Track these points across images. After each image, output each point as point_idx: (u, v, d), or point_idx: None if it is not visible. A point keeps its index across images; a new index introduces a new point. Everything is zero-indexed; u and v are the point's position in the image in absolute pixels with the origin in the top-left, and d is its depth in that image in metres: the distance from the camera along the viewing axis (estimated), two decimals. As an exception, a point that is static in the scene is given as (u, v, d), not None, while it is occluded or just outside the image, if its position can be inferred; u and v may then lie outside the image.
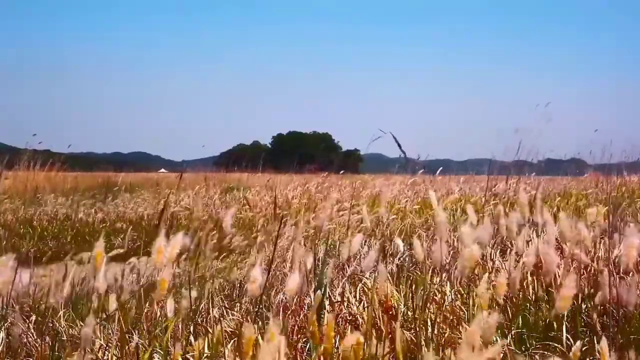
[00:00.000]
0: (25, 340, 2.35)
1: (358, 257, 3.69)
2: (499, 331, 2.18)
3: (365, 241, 4.30)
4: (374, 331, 2.00)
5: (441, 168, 8.98)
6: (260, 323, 2.23)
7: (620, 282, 2.02)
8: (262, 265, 3.51)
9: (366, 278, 2.83)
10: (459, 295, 2.61)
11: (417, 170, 8.31)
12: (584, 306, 2.36)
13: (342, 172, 13.66)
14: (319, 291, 2.16)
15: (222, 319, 2.58)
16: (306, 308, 2.44)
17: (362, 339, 1.54)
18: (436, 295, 2.65)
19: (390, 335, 1.97)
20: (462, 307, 2.44)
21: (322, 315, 2.28)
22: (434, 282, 2.86)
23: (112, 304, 2.35)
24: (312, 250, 3.02)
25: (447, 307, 2.50)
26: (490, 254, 3.25)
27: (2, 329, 2.32)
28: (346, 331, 2.22)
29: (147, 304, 2.68)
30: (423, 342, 2.03)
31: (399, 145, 4.42)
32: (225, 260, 4.40)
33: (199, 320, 2.50)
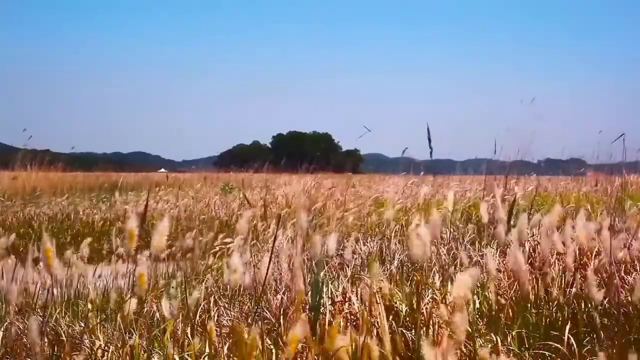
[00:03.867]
0: (24, 340, 2.35)
1: (358, 256, 3.69)
2: (500, 331, 2.17)
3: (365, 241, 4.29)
4: (374, 330, 1.99)
5: (457, 170, 8.91)
6: (259, 323, 2.22)
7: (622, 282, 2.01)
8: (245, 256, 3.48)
9: (367, 277, 2.82)
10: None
11: (422, 171, 8.29)
12: (584, 306, 2.36)
13: (342, 172, 13.64)
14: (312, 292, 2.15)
15: (219, 319, 2.58)
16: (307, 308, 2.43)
17: (361, 341, 1.52)
18: (436, 295, 2.65)
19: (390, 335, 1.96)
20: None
21: (322, 315, 2.27)
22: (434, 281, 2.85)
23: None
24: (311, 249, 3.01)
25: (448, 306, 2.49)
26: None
27: (1, 329, 2.31)
28: (347, 331, 2.21)
29: (145, 304, 2.67)
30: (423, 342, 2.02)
31: (430, 141, 4.34)
32: (222, 259, 4.39)
33: (197, 321, 2.49)
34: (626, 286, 2.44)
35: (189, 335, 2.22)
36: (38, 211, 8.85)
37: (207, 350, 2.04)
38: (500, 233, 2.66)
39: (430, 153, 4.62)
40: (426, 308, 2.32)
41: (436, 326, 2.20)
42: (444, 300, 2.55)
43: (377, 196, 7.40)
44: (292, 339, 1.15)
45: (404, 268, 3.30)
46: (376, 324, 2.16)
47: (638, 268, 2.63)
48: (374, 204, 6.47)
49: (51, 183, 12.97)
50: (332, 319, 2.34)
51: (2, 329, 2.31)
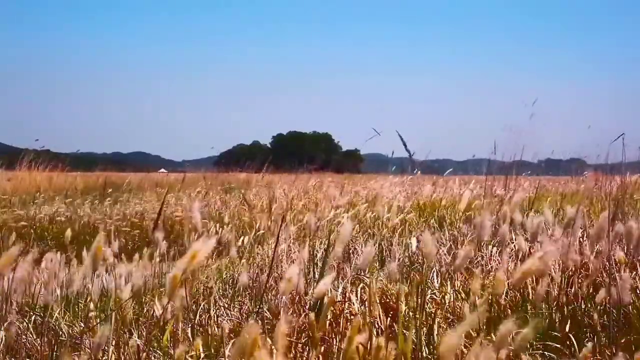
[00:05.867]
0: (24, 339, 2.35)
1: (358, 255, 3.69)
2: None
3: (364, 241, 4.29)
4: (374, 331, 2.00)
5: (451, 169, 8.88)
6: (260, 323, 2.22)
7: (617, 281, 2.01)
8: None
9: (367, 277, 2.82)
10: (459, 295, 2.61)
11: (416, 170, 8.29)
12: (584, 306, 2.36)
13: (342, 172, 13.65)
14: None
15: (220, 318, 2.58)
16: (307, 308, 2.43)
17: (381, 341, 1.52)
18: (436, 295, 2.65)
19: (390, 335, 1.96)
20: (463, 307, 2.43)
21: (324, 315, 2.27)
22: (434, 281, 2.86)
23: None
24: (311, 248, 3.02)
25: (448, 306, 2.49)
26: (491, 253, 3.25)
27: (2, 329, 2.31)
28: (346, 331, 2.21)
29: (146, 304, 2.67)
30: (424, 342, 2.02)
31: (405, 144, 4.38)
32: (220, 259, 4.40)
33: (198, 320, 2.50)
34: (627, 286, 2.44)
35: (190, 336, 2.22)
36: (39, 212, 8.86)
37: (210, 351, 2.05)
38: (505, 233, 2.67)
39: (409, 154, 4.65)
40: (426, 308, 2.32)
41: (436, 326, 2.21)
42: (442, 301, 2.56)
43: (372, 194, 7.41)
44: (279, 334, 1.15)
45: (404, 268, 3.30)
46: (376, 324, 2.16)
47: (638, 267, 2.63)
48: (370, 203, 6.47)
49: (52, 183, 12.98)
50: (332, 320, 2.34)
51: (2, 329, 2.31)
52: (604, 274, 2.45)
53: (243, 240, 4.51)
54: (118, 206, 9.68)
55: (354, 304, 2.53)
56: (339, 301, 2.59)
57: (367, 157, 51.02)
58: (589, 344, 1.60)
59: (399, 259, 3.49)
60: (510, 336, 1.28)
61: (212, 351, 2.09)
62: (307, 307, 2.43)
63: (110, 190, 11.53)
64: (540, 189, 6.53)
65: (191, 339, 2.16)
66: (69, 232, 4.41)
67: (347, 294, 2.65)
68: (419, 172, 8.24)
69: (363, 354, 1.52)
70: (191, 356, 1.99)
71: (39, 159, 14.06)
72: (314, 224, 2.41)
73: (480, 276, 2.62)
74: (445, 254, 3.40)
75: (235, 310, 2.76)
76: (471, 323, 1.20)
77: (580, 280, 2.44)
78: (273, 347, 1.32)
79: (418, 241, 3.32)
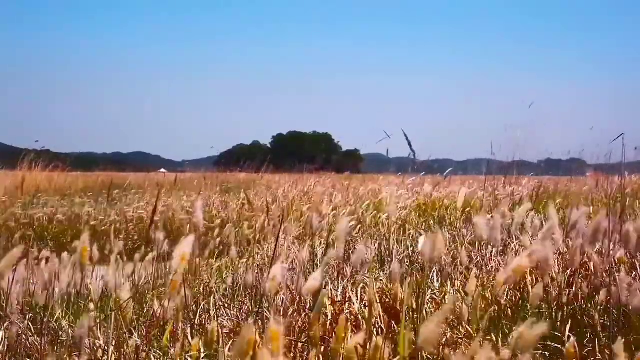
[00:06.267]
0: (24, 339, 2.35)
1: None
2: (501, 332, 2.18)
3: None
4: (374, 331, 2.00)
5: (450, 169, 8.85)
6: (260, 323, 2.23)
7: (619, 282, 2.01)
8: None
9: (367, 277, 2.82)
10: (459, 295, 2.61)
11: (423, 172, 8.29)
12: (584, 306, 2.36)
13: (342, 172, 13.67)
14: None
15: (219, 318, 2.58)
16: (307, 308, 2.43)
17: (379, 341, 1.52)
18: (436, 295, 2.65)
19: (391, 335, 1.97)
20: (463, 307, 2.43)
21: (324, 315, 2.28)
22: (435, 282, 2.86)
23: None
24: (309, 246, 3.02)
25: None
26: (492, 253, 3.25)
27: (2, 329, 2.31)
28: (347, 331, 2.21)
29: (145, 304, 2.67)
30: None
31: (410, 144, 4.38)
32: (221, 259, 4.40)
33: (197, 320, 2.50)
34: (625, 286, 2.44)
35: (190, 335, 2.22)
36: (39, 212, 8.85)
37: (209, 350, 2.04)
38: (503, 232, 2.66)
39: (413, 154, 4.66)
40: (426, 308, 2.32)
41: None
42: (442, 301, 2.56)
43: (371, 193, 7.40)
44: (272, 334, 1.15)
45: (404, 268, 3.30)
46: (376, 324, 2.16)
47: (638, 267, 2.63)
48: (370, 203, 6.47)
49: (52, 184, 12.98)
50: (332, 320, 2.34)
51: (2, 329, 2.31)
52: (604, 274, 2.45)
53: (242, 232, 4.51)
54: (119, 206, 9.67)
55: (354, 304, 2.53)
56: (339, 301, 2.59)
57: (367, 157, 51.02)
58: (572, 339, 1.60)
59: (399, 259, 3.49)
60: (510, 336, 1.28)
61: (212, 351, 2.09)
62: (307, 307, 2.44)
63: (110, 190, 11.48)
64: (540, 189, 6.53)
65: (190, 339, 2.16)
66: (84, 235, 4.42)
67: (347, 294, 2.65)
68: (424, 172, 8.24)
69: (362, 354, 1.52)
70: (190, 356, 1.99)
71: (39, 159, 14.06)
72: (316, 222, 2.40)
73: (481, 276, 2.63)
74: (445, 254, 3.40)
75: (235, 310, 2.76)
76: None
77: (580, 281, 2.44)
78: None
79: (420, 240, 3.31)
